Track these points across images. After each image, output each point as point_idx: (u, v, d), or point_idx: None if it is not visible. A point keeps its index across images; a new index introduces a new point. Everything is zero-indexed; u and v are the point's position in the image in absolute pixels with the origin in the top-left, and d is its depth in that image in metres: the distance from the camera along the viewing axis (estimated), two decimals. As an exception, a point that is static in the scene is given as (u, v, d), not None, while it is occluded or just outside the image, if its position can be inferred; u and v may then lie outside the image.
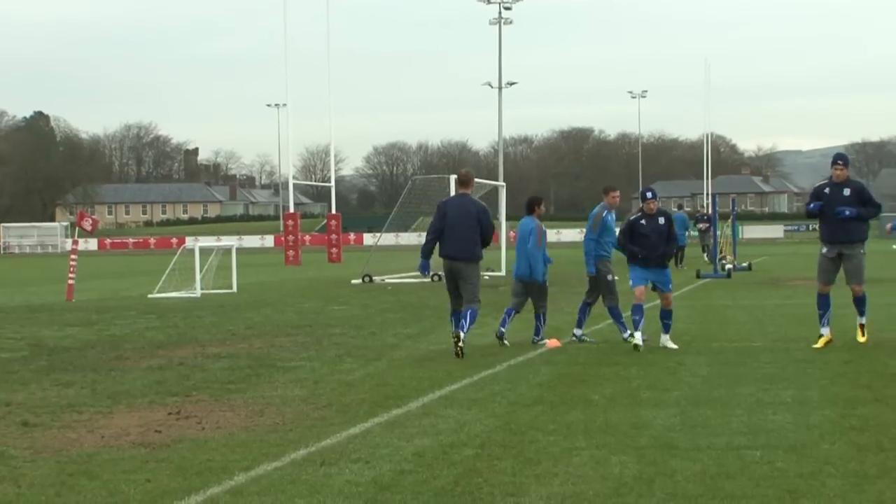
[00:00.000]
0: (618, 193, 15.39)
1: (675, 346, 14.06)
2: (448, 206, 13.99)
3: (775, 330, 16.14)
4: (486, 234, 13.84)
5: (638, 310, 14.08)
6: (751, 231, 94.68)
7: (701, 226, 42.38)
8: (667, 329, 14.39)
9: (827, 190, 13.71)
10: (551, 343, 14.77)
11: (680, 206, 35.32)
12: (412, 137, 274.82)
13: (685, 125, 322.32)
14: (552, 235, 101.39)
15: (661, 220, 14.51)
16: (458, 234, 13.74)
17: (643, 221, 14.43)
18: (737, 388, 10.61)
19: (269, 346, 15.39)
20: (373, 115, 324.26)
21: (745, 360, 12.82)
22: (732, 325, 17.26)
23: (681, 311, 19.17)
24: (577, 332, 15.32)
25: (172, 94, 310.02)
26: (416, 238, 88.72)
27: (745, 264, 37.40)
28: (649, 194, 14.52)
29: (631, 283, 14.30)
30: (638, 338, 13.93)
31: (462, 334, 13.54)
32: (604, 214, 14.89)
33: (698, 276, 31.76)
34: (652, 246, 14.32)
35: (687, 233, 36.75)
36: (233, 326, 18.62)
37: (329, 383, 11.50)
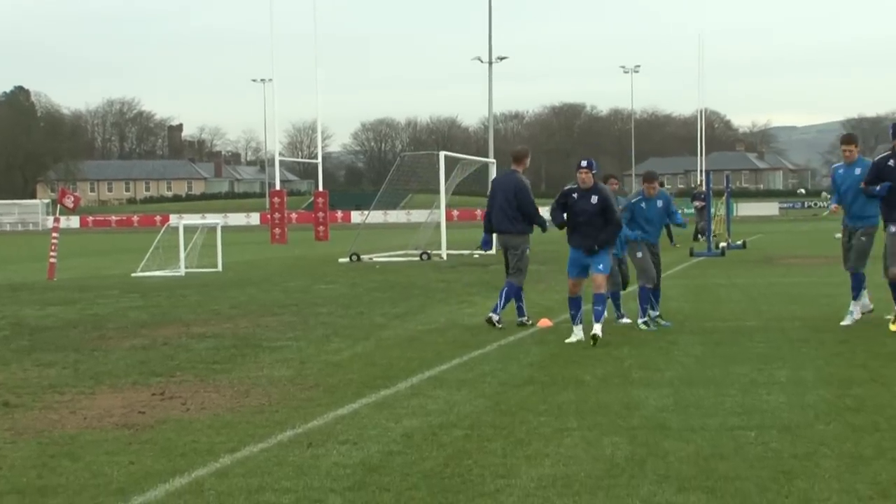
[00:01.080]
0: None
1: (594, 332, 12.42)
2: (494, 182, 15.53)
3: (769, 309, 16.18)
4: (522, 210, 14.77)
5: (573, 304, 13.05)
6: (745, 208, 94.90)
7: (697, 203, 42.38)
8: (597, 316, 12.67)
9: (892, 162, 12.96)
10: (542, 323, 14.77)
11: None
12: (401, 113, 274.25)
13: (679, 101, 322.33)
14: (544, 213, 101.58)
15: (594, 200, 12.86)
16: (498, 208, 14.86)
17: (575, 195, 13.00)
18: (731, 368, 10.63)
19: (254, 325, 15.38)
20: (361, 90, 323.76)
21: (738, 339, 12.83)
22: (726, 304, 17.29)
23: (673, 290, 19.27)
24: (652, 313, 14.33)
25: (156, 69, 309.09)
26: (404, 216, 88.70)
27: (739, 242, 37.46)
28: (584, 163, 12.91)
29: (568, 272, 13.19)
30: (577, 332, 12.89)
31: (493, 315, 14.21)
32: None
33: (692, 255, 31.79)
34: (582, 229, 12.92)
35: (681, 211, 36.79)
36: (217, 306, 18.61)
37: (316, 363, 11.50)
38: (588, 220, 12.95)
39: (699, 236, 38.70)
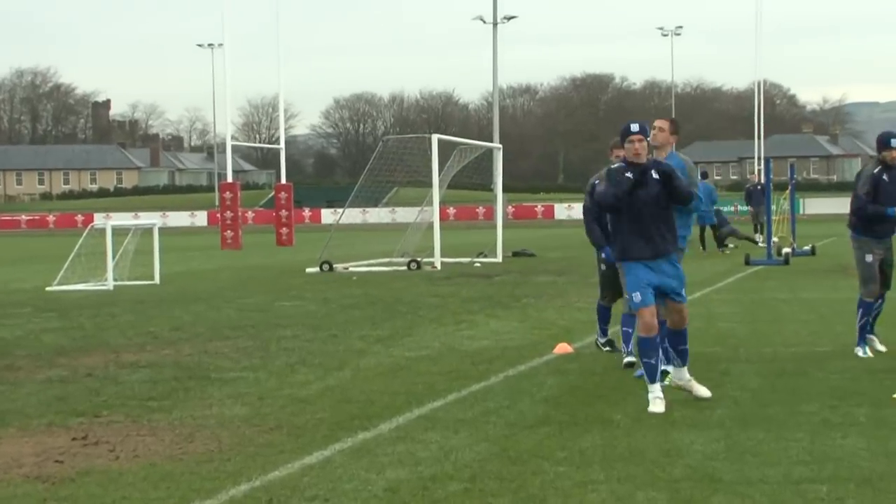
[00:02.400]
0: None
1: (707, 393, 11.15)
2: None
3: (845, 331, 16.00)
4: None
5: (649, 347, 10.86)
6: (814, 205, 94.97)
7: (751, 209, 42.44)
8: (684, 359, 11.34)
9: (886, 177, 14.09)
10: (560, 348, 14.77)
11: (705, 175, 35.05)
12: (383, 87, 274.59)
13: (731, 71, 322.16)
14: (561, 210, 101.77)
15: (654, 176, 10.94)
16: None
17: (629, 174, 10.93)
18: (796, 405, 10.63)
19: (201, 352, 15.41)
20: (334, 58, 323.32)
21: (806, 369, 12.83)
22: (790, 325, 17.31)
23: (724, 306, 19.31)
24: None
25: (77, 32, 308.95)
26: (387, 214, 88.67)
27: (806, 247, 37.49)
28: (635, 127, 11.00)
29: (633, 297, 10.96)
30: (657, 398, 10.71)
31: (627, 358, 13.28)
32: None
33: (747, 263, 31.83)
34: (648, 225, 10.93)
35: (714, 208, 36.64)
36: (154, 327, 18.61)
37: (278, 399, 11.51)
38: (656, 212, 10.95)
39: (758, 234, 38.57)
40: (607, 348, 14.63)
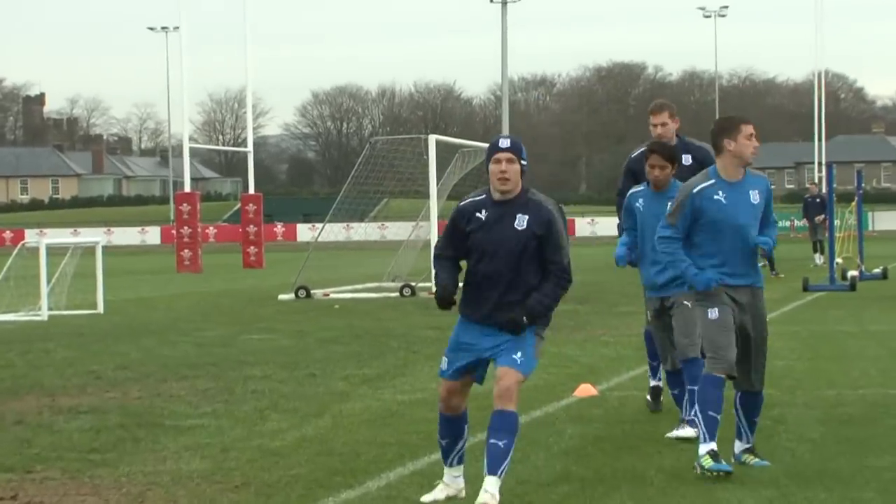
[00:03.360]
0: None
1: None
2: None
3: (923, 370, 16.18)
4: None
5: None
6: (885, 219, 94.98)
7: (818, 218, 42.43)
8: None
9: None
10: (583, 390, 14.79)
11: None
12: (371, 78, 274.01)
13: (786, 59, 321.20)
14: (584, 226, 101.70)
15: (520, 221, 9.82)
16: None
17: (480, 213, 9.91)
18: (864, 459, 10.60)
19: (152, 395, 15.37)
20: (311, 45, 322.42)
21: (876, 416, 12.80)
22: (857, 363, 17.26)
23: (780, 340, 19.19)
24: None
25: (4, 14, 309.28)
26: (375, 230, 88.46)
27: (876, 270, 37.45)
28: (504, 142, 9.91)
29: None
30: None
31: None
32: (695, 190, 11.25)
33: (806, 289, 31.77)
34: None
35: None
36: (98, 366, 18.52)
37: (245, 452, 11.49)
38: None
39: (817, 255, 38.41)
40: (649, 398, 13.73)
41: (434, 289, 10.14)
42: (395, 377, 16.72)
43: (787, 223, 73.60)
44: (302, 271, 34.80)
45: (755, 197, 10.75)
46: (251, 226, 58.14)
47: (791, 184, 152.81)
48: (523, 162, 9.87)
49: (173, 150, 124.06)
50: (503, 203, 9.75)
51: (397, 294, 33.62)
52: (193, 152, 62.77)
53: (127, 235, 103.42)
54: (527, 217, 9.72)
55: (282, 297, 33.27)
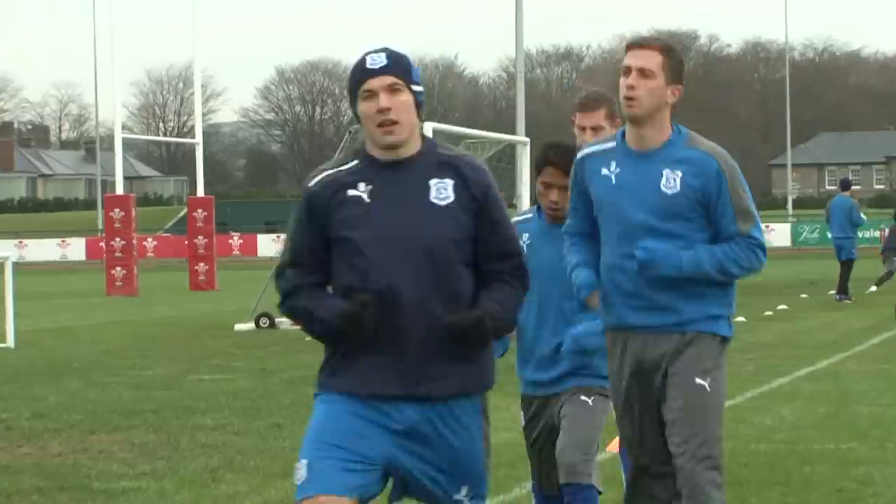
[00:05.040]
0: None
1: None
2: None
3: None
4: None
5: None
6: None
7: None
8: None
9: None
10: (615, 446, 13.22)
11: (846, 185, 33.76)
12: (349, 52, 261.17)
13: (872, 30, 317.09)
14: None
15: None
16: None
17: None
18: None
19: (77, 450, 14.82)
20: (275, 11, 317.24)
21: None
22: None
23: (865, 381, 19.15)
24: None
25: None
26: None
27: None
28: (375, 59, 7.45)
29: None
30: None
31: None
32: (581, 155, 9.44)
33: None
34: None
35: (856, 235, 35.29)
36: (8, 414, 17.72)
37: (193, 523, 11.22)
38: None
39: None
40: None
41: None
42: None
43: (877, 233, 69.89)
44: (264, 295, 33.31)
45: (671, 181, 7.64)
46: (200, 237, 56.86)
47: (881, 183, 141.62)
48: (416, 89, 6.68)
49: (102, 141, 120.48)
50: (395, 165, 6.78)
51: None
52: (127, 144, 60.87)
53: (44, 249, 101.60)
54: (449, 183, 6.62)
55: (239, 326, 32.26)
